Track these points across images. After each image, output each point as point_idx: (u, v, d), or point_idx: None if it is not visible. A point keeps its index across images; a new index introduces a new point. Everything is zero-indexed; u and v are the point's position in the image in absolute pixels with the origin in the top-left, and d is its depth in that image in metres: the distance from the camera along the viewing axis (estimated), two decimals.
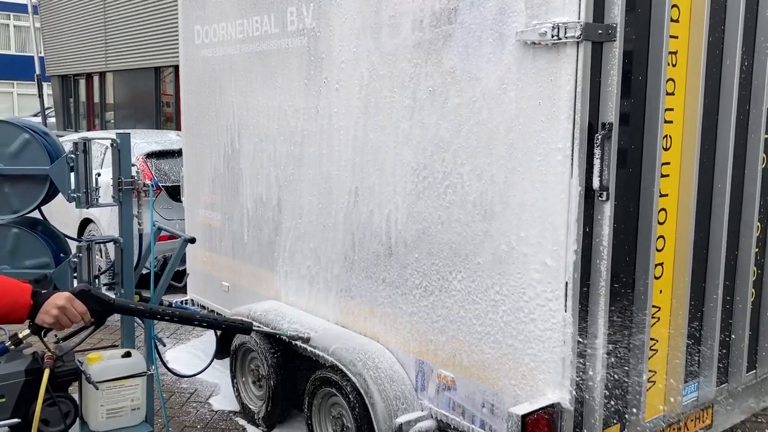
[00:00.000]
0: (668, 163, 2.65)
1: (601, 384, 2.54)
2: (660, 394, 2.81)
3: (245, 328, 2.20)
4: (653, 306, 2.67)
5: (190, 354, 5.04)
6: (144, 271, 3.16)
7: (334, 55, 3.36)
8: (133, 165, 2.92)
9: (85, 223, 6.87)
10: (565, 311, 2.45)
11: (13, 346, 1.95)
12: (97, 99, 18.82)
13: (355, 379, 3.11)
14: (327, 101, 3.44)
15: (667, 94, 2.57)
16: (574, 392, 2.50)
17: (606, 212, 2.45)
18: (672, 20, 2.53)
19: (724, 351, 3.06)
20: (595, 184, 2.41)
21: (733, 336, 3.10)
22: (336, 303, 3.54)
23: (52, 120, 19.66)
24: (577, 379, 2.51)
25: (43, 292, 1.86)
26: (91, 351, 2.69)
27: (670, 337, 2.79)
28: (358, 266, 3.36)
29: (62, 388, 2.18)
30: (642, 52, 2.52)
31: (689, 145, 2.71)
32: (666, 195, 2.67)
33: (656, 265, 2.67)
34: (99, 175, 2.86)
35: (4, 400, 2.04)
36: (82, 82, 19.46)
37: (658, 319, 2.73)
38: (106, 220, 6.45)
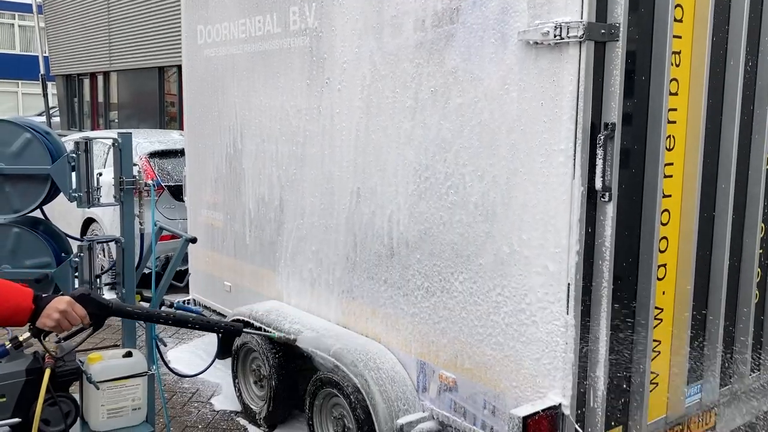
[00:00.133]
0: (671, 164, 2.64)
1: (603, 386, 2.52)
2: (663, 395, 2.80)
3: (236, 330, 2.22)
4: (656, 307, 2.66)
5: (192, 354, 5.04)
6: (146, 271, 3.16)
7: (337, 55, 3.35)
8: (135, 164, 2.92)
9: (89, 222, 6.88)
10: (567, 313, 2.44)
11: (13, 349, 1.95)
12: (101, 98, 18.86)
13: (357, 379, 3.10)
14: (329, 101, 3.43)
15: (671, 94, 2.55)
16: (575, 394, 2.48)
17: (608, 213, 2.44)
18: (675, 20, 2.52)
19: (727, 353, 3.04)
20: (598, 184, 2.40)
21: (737, 337, 3.08)
22: (338, 304, 3.54)
23: (56, 119, 19.72)
24: (579, 381, 2.50)
25: (43, 296, 1.89)
26: (92, 351, 2.69)
27: (672, 338, 2.78)
28: (360, 267, 3.36)
29: (63, 388, 2.18)
30: (645, 52, 2.50)
31: (692, 145, 2.69)
32: (669, 196, 2.65)
33: (659, 267, 2.65)
34: (100, 174, 2.85)
35: (4, 399, 2.04)
36: (87, 82, 19.50)
37: (661, 320, 2.72)
38: (108, 219, 6.46)
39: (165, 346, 3.04)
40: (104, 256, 6.14)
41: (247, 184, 4.13)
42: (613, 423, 2.64)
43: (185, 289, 4.98)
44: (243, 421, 4.03)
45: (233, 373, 4.07)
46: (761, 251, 3.09)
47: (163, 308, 3.06)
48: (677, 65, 2.58)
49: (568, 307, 2.44)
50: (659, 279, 2.67)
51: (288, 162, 3.76)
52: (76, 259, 2.69)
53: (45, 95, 15.89)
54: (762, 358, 3.25)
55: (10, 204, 2.67)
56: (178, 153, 6.68)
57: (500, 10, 2.55)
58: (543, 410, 2.43)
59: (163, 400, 3.36)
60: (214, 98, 4.34)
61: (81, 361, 2.39)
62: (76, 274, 2.70)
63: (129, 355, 2.58)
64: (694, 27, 2.61)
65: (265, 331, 3.27)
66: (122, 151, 2.76)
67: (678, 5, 2.53)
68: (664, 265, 2.70)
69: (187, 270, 4.96)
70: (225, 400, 4.30)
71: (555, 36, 2.33)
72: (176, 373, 3.31)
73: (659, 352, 2.73)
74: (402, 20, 2.98)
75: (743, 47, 2.79)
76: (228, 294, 4.44)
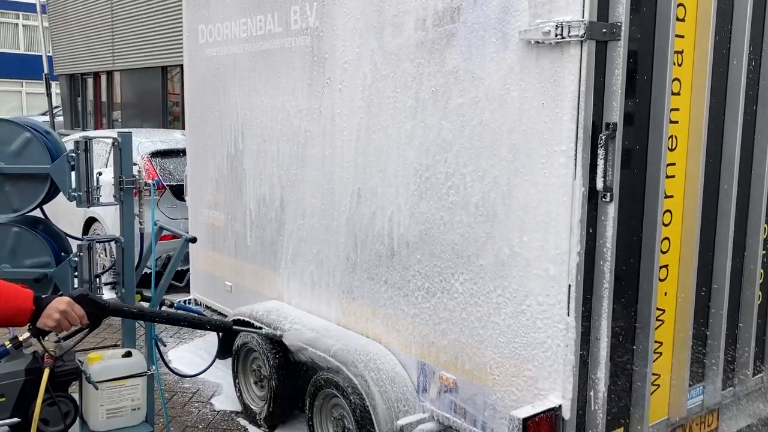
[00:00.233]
0: (673, 164, 2.62)
1: (603, 387, 2.51)
2: (664, 397, 2.78)
3: (225, 327, 2.28)
4: (658, 308, 2.64)
5: (193, 354, 5.04)
6: (147, 271, 3.15)
7: (337, 55, 3.34)
8: (135, 164, 2.91)
9: (90, 222, 6.89)
10: (568, 315, 2.43)
11: (13, 349, 1.97)
12: (104, 98, 18.89)
13: (357, 380, 3.09)
14: (330, 102, 3.42)
15: (673, 94, 2.54)
16: (576, 396, 2.47)
17: (610, 213, 2.42)
18: (678, 19, 2.50)
19: (730, 354, 3.02)
20: (599, 184, 2.39)
21: (740, 339, 3.06)
22: (338, 304, 3.53)
23: (60, 119, 19.75)
24: (580, 382, 2.48)
25: (43, 296, 1.94)
26: (92, 350, 2.69)
27: (674, 340, 2.76)
28: (360, 267, 3.35)
29: (62, 388, 2.19)
30: (647, 52, 2.48)
31: (695, 145, 2.67)
32: (671, 196, 2.64)
33: (661, 267, 2.64)
34: (100, 174, 2.85)
35: (3, 399, 2.04)
36: (90, 81, 19.54)
37: (663, 321, 2.70)
38: (110, 219, 6.46)
39: (164, 346, 3.04)
40: (106, 255, 6.15)
41: (248, 184, 4.12)
42: (614, 425, 2.63)
43: (185, 289, 4.98)
44: (243, 422, 4.02)
45: (234, 373, 4.07)
46: (764, 252, 3.07)
47: (163, 308, 3.05)
48: (679, 65, 2.56)
49: (568, 308, 2.43)
50: (661, 280, 2.65)
51: (289, 162, 3.76)
52: (76, 258, 2.68)
53: (48, 95, 15.93)
54: (765, 359, 3.23)
55: (9, 203, 2.66)
56: (180, 152, 6.68)
57: (501, 9, 2.54)
58: (543, 412, 2.42)
59: (163, 400, 3.36)
60: (216, 98, 4.34)
61: (80, 361, 2.39)
62: (76, 273, 2.70)
63: (128, 355, 2.57)
64: (696, 26, 2.60)
65: (254, 327, 3.28)
66: (122, 150, 2.76)
67: (680, 4, 2.51)
68: (666, 266, 2.68)
69: (187, 270, 4.96)
70: (225, 400, 4.30)
71: (556, 35, 2.32)
72: (176, 373, 3.31)
73: (661, 354, 2.71)
74: (403, 19, 2.96)
75: (746, 46, 2.77)
76: (229, 294, 4.44)
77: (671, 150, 2.59)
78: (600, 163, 2.37)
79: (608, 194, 2.39)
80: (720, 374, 2.94)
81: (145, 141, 7.01)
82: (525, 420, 2.38)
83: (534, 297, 2.53)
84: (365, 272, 3.32)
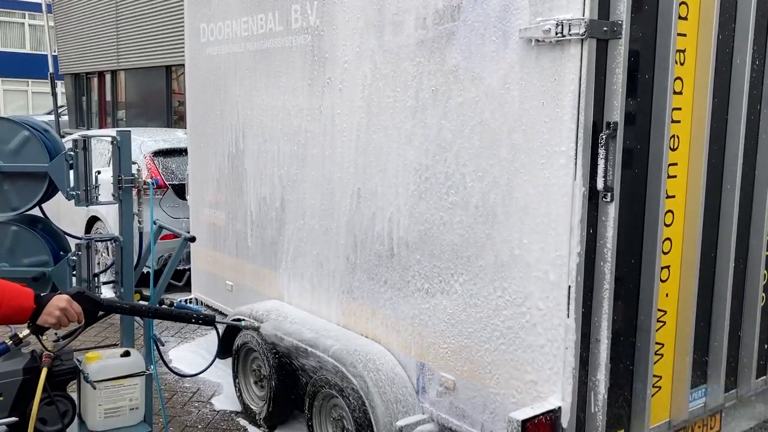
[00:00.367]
0: (675, 164, 2.60)
1: (604, 389, 2.49)
2: (666, 399, 2.76)
3: (208, 320, 2.33)
4: (659, 310, 2.62)
5: (194, 353, 5.03)
6: (146, 270, 3.15)
7: (338, 55, 3.33)
8: (134, 163, 2.91)
9: (93, 221, 6.90)
10: (568, 316, 2.41)
11: (13, 346, 2.00)
12: (109, 97, 18.95)
13: (356, 381, 3.08)
14: (330, 101, 3.41)
15: (675, 93, 2.51)
16: (576, 398, 2.45)
17: (610, 214, 2.40)
18: (680, 17, 2.48)
19: (732, 356, 3.00)
20: (600, 184, 2.37)
21: (742, 341, 3.03)
22: (338, 304, 3.52)
23: (65, 118, 19.82)
24: (580, 384, 2.46)
25: (42, 295, 1.98)
26: (91, 350, 2.69)
27: (676, 341, 2.74)
28: (360, 268, 3.33)
29: (60, 387, 2.19)
30: (649, 50, 2.46)
31: (697, 145, 2.65)
32: (673, 196, 2.61)
33: (662, 268, 2.61)
34: (99, 172, 2.84)
35: (1, 398, 2.05)
36: (95, 81, 19.61)
37: (664, 323, 2.68)
38: (113, 218, 6.46)
39: (163, 345, 3.03)
40: (108, 254, 6.15)
41: (249, 184, 4.11)
42: (614, 427, 2.61)
43: (184, 289, 4.98)
44: (243, 422, 4.01)
45: (234, 373, 4.06)
46: (767, 253, 3.05)
47: (162, 307, 3.05)
48: (682, 64, 2.54)
49: (568, 310, 2.41)
50: (662, 281, 2.63)
51: (289, 162, 3.75)
52: (74, 257, 2.68)
53: (54, 94, 15.98)
54: None
55: (8, 202, 2.66)
56: (183, 152, 6.68)
57: (501, 7, 2.52)
58: (542, 414, 2.40)
59: (161, 400, 3.35)
60: (217, 97, 4.33)
61: (78, 360, 2.39)
62: (74, 272, 2.69)
63: (127, 354, 2.57)
64: (699, 24, 2.57)
65: (235, 320, 3.31)
66: (121, 149, 2.75)
67: (682, 2, 2.48)
68: (668, 267, 2.66)
69: (186, 269, 4.96)
70: (225, 400, 4.29)
71: (556, 34, 2.30)
72: (176, 373, 3.29)
73: (662, 355, 2.69)
74: (403, 18, 2.95)
75: (750, 45, 2.74)
76: (229, 293, 4.43)
77: (673, 150, 2.57)
78: (600, 162, 2.35)
79: (609, 194, 2.37)
80: (722, 376, 2.91)
81: (148, 140, 7.02)
82: (524, 422, 2.36)
83: (534, 297, 2.51)
84: (365, 272, 3.30)
